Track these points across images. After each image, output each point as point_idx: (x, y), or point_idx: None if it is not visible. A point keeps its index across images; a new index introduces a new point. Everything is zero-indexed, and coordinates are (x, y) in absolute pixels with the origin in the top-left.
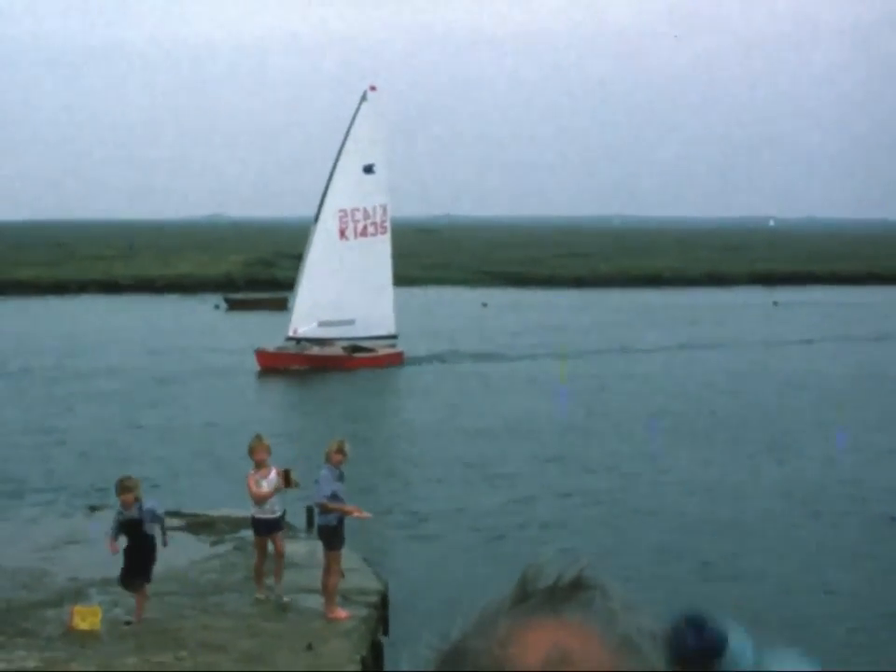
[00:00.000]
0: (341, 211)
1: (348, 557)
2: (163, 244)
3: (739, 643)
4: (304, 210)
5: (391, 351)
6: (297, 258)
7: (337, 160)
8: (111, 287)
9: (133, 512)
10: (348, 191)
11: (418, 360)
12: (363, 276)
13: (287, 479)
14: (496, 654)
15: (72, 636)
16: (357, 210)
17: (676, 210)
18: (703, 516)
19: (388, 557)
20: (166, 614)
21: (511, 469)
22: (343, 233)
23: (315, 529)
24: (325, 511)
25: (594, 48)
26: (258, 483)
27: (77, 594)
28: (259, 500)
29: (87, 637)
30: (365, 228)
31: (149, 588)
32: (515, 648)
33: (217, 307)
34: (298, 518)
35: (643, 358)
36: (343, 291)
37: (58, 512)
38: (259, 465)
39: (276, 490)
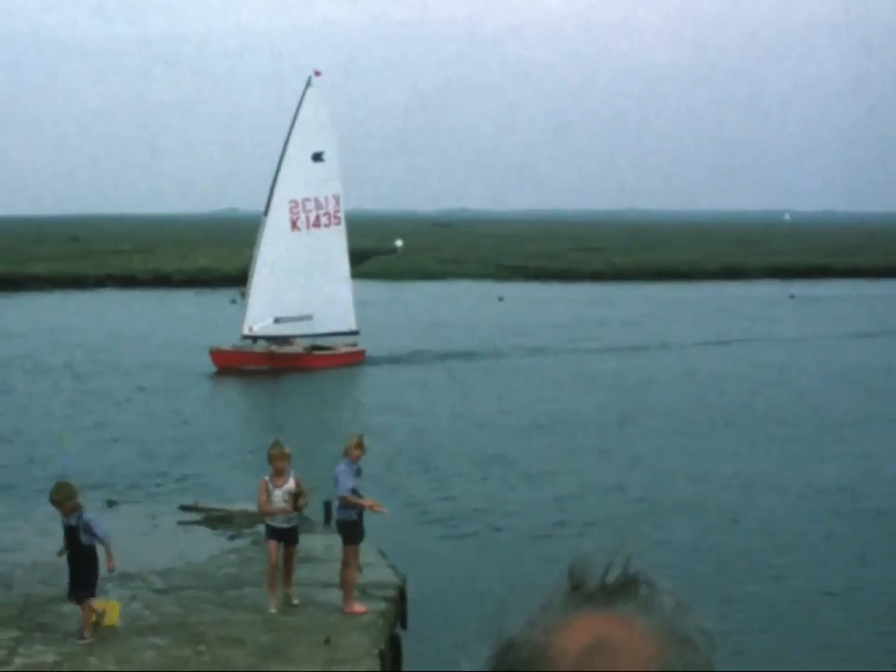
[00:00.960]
0: (291, 202)
1: (365, 551)
2: (180, 238)
3: None
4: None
5: (353, 349)
6: None
7: (284, 149)
8: (129, 281)
9: (72, 520)
10: (298, 181)
11: (378, 360)
12: (319, 269)
13: (295, 502)
14: (539, 643)
15: (90, 630)
16: (309, 200)
17: (691, 204)
18: (744, 513)
19: (405, 551)
20: (185, 608)
21: (537, 466)
22: (294, 225)
23: (332, 523)
24: (346, 505)
25: (605, 38)
26: (270, 493)
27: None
28: (264, 514)
29: (105, 632)
30: (318, 218)
31: (100, 602)
32: (559, 636)
33: (233, 301)
34: (315, 512)
35: (679, 353)
36: (298, 286)
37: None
38: (279, 472)
39: (282, 511)
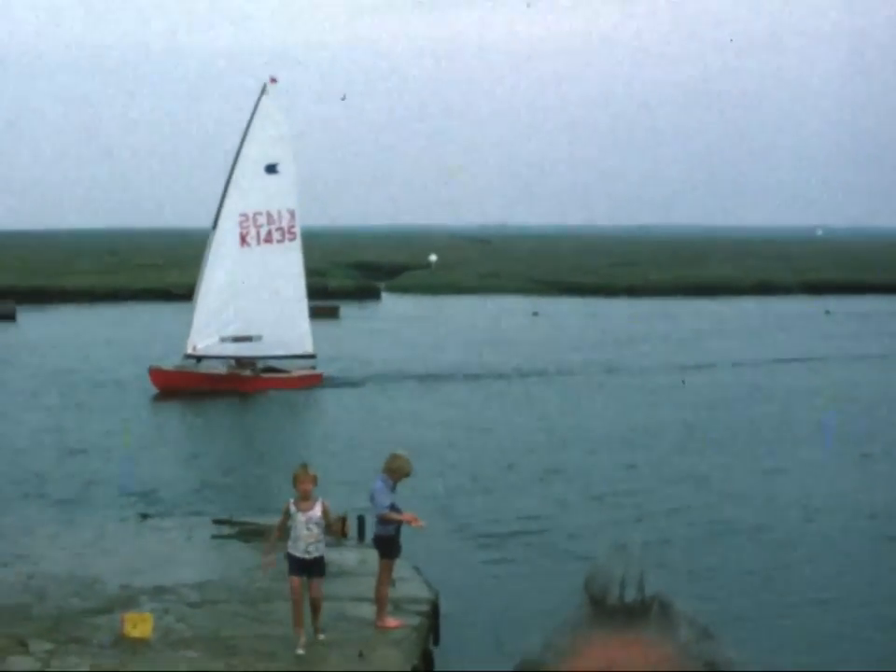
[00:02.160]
0: (241, 215)
1: (400, 566)
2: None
3: None
4: (359, 220)
5: (308, 372)
6: (349, 266)
7: (235, 160)
8: (164, 295)
9: None
10: (250, 194)
11: (339, 381)
12: (270, 287)
13: (342, 528)
14: (550, 667)
15: (123, 643)
16: (260, 214)
17: (724, 220)
18: (807, 537)
19: (439, 566)
20: (218, 622)
21: (592, 484)
22: (244, 240)
23: (371, 539)
24: (385, 521)
25: (633, 51)
26: (293, 516)
27: (129, 601)
28: (277, 535)
29: (138, 645)
30: (270, 233)
31: None
32: (572, 662)
33: None
34: (350, 528)
35: (739, 370)
36: (246, 304)
37: (110, 520)
38: (304, 496)
39: (317, 540)
